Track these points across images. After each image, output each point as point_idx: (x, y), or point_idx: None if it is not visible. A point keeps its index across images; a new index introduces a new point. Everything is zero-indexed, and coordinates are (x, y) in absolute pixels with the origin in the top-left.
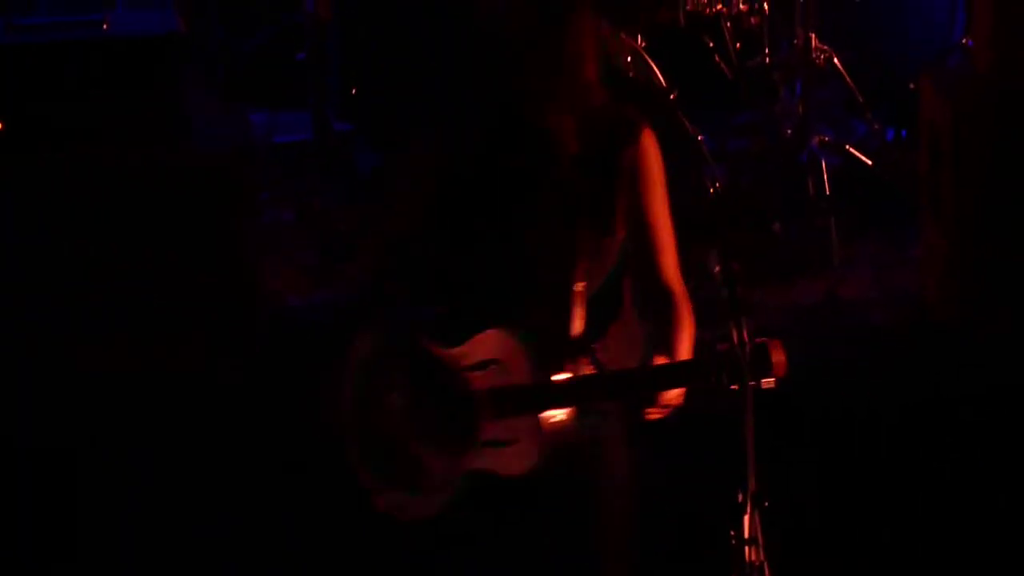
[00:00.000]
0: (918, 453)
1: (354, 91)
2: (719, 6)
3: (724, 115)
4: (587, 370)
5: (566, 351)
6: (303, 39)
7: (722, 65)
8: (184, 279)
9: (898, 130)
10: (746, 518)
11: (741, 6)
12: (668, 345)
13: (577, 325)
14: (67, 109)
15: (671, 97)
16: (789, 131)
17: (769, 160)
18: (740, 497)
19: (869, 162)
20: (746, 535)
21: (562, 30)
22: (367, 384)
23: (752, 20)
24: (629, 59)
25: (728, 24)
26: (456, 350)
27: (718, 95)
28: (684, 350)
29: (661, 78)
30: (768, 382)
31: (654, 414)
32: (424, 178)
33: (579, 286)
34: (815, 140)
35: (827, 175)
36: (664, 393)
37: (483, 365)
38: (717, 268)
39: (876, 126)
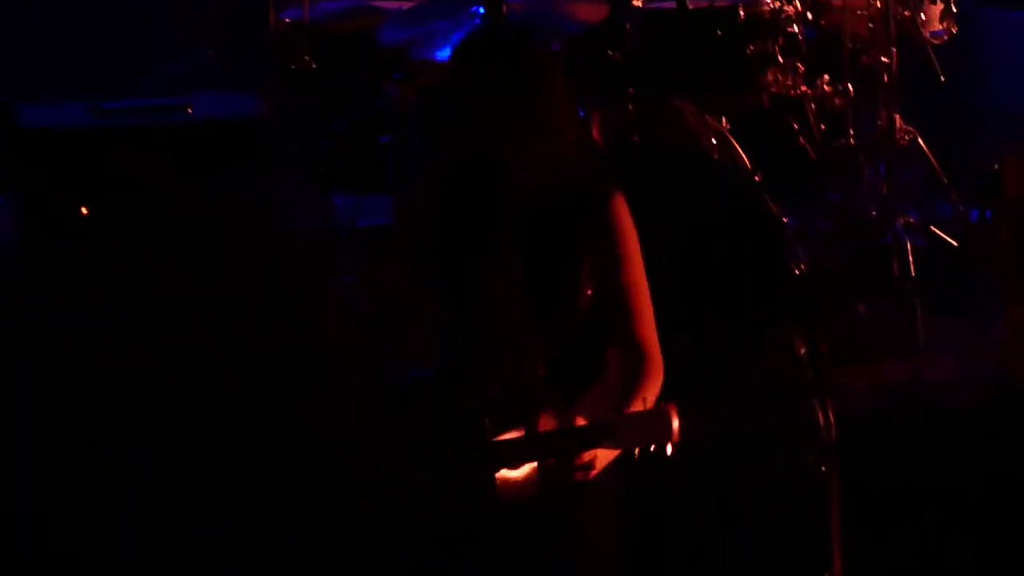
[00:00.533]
0: (1004, 535)
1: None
2: (803, 88)
3: (808, 196)
4: (549, 424)
5: (529, 404)
6: (388, 122)
7: (806, 146)
8: (266, 365)
9: (982, 210)
10: None
11: (825, 88)
12: (624, 404)
13: (540, 377)
14: (151, 194)
15: (756, 179)
16: (873, 212)
17: (854, 241)
18: None
19: (954, 243)
20: None
21: (533, 89)
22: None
23: (836, 101)
24: (713, 140)
25: (812, 105)
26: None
27: (802, 176)
28: (616, 410)
29: (745, 160)
30: (665, 447)
31: (577, 475)
32: (408, 226)
33: (545, 343)
34: (899, 221)
35: (912, 256)
36: (583, 455)
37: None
38: (803, 350)
39: (960, 207)
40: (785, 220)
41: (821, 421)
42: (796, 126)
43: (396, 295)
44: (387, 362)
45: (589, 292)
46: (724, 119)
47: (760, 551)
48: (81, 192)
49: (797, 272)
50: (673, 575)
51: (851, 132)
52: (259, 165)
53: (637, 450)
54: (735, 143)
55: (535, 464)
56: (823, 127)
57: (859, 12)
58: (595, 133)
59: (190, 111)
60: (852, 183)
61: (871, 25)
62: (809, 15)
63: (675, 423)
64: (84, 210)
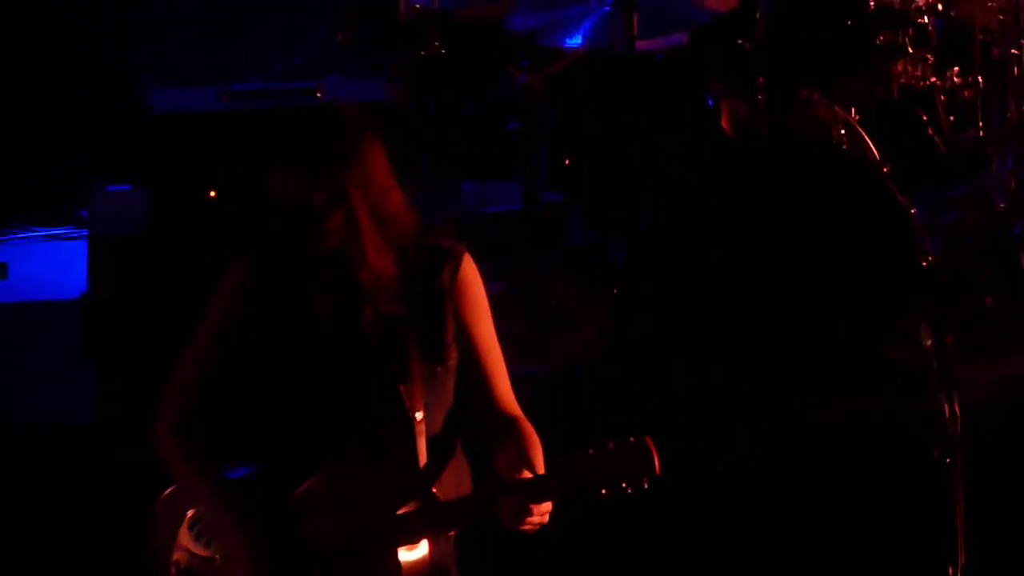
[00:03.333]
0: None
1: (567, 161)
2: (933, 79)
3: (936, 188)
4: (428, 503)
5: (412, 484)
6: (515, 109)
7: (935, 138)
8: None
9: None
10: None
11: (955, 79)
12: (527, 462)
13: (421, 456)
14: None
15: (884, 169)
16: (1002, 205)
17: (981, 234)
18: (951, 571)
19: None
20: None
21: (351, 169)
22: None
23: (965, 93)
24: (842, 131)
25: (941, 97)
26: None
27: (930, 168)
28: (542, 466)
29: (875, 150)
30: (646, 482)
31: (528, 526)
32: (233, 305)
33: (418, 415)
34: None
35: None
36: (540, 505)
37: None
38: (929, 341)
39: None
40: (913, 212)
41: (946, 413)
42: (925, 117)
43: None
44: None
45: (454, 361)
46: (853, 110)
47: (887, 546)
48: (210, 175)
49: (924, 264)
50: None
51: (980, 124)
52: (388, 150)
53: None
54: (864, 134)
55: (428, 545)
56: (952, 119)
57: (989, 3)
58: (724, 122)
59: (319, 95)
60: (980, 176)
61: (1001, 17)
62: (939, 6)
63: (655, 457)
64: (212, 193)
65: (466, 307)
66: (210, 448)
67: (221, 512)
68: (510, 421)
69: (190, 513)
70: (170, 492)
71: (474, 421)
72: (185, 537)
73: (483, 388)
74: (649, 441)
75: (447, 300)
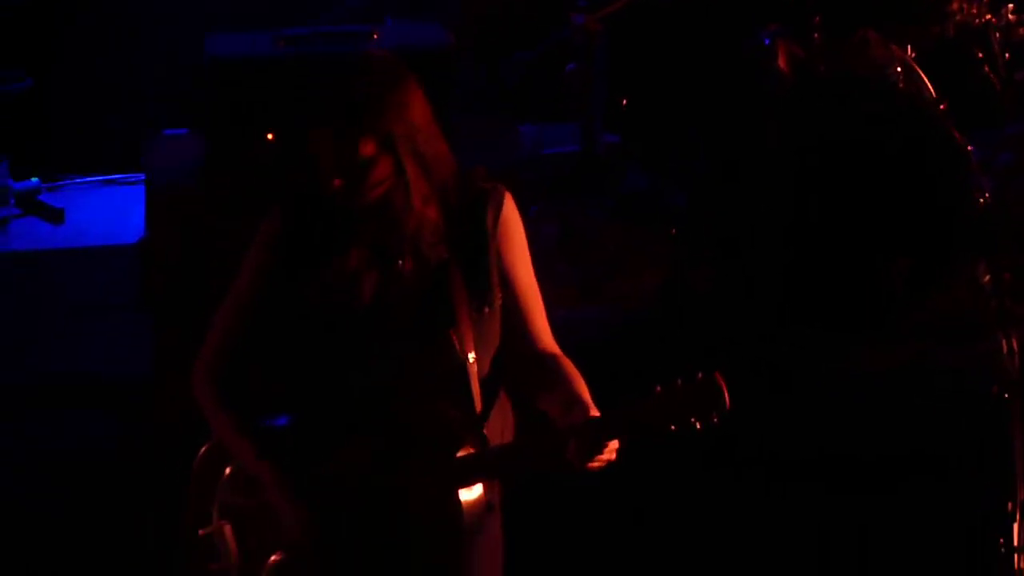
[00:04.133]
0: None
1: (624, 103)
2: (988, 16)
3: (992, 127)
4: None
5: (468, 427)
6: (573, 51)
7: (991, 76)
8: None
9: None
10: (1016, 526)
11: (1010, 16)
12: (577, 400)
13: (476, 400)
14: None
15: (941, 108)
16: None
17: None
18: (1009, 506)
19: None
20: (1016, 543)
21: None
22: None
23: (1021, 31)
24: (899, 70)
25: (997, 35)
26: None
27: (987, 107)
28: (591, 402)
29: (931, 88)
30: (716, 418)
31: (597, 464)
32: (272, 247)
33: (471, 357)
34: None
35: None
36: (611, 442)
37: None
38: (987, 278)
39: None
40: (970, 149)
41: (1005, 350)
42: (981, 55)
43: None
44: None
45: (499, 302)
46: (909, 48)
47: (949, 486)
48: (264, 121)
49: (981, 202)
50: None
51: None
52: (445, 94)
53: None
54: (921, 72)
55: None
56: (1008, 56)
57: None
58: (781, 62)
59: (375, 37)
60: None
61: None
62: None
63: (726, 392)
64: (270, 136)
65: (507, 249)
66: (249, 399)
67: (261, 464)
68: (553, 361)
69: (228, 470)
70: (207, 448)
71: (514, 363)
72: (225, 490)
73: (524, 330)
74: (719, 376)
75: (490, 242)
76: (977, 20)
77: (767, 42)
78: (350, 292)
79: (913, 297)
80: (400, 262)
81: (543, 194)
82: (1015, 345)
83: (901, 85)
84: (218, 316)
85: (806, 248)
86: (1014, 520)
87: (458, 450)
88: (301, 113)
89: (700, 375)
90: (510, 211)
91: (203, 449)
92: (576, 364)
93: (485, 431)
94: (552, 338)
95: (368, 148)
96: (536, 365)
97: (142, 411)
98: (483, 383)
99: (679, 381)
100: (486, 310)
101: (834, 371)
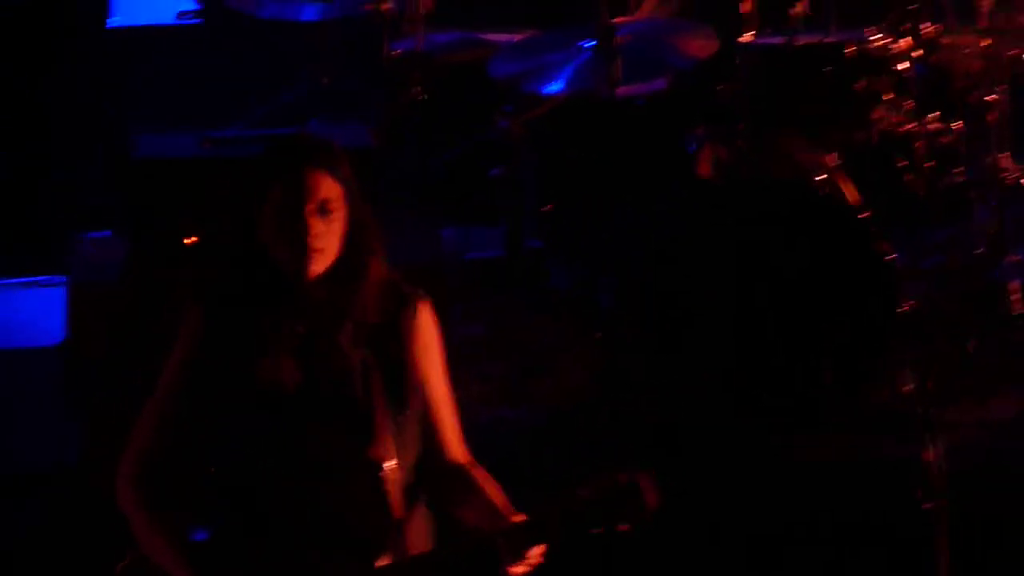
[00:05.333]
0: None
1: (548, 208)
2: (912, 124)
3: (917, 233)
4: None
5: (385, 536)
6: (498, 154)
7: (915, 183)
8: None
9: None
10: None
11: (934, 125)
12: (494, 508)
13: (394, 507)
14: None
15: (865, 215)
16: (982, 250)
17: (962, 278)
18: None
19: None
20: None
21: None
22: None
23: (945, 139)
24: (823, 177)
25: (921, 143)
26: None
27: (911, 213)
28: (510, 507)
29: (855, 195)
30: (634, 521)
31: (523, 568)
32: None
33: (388, 465)
34: (1008, 259)
35: (1021, 293)
36: (531, 549)
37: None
38: (910, 386)
39: None
40: (894, 256)
41: (930, 456)
42: (905, 163)
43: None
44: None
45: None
46: (834, 155)
47: None
48: (188, 220)
49: (906, 308)
50: None
51: (960, 170)
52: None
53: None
54: (845, 178)
55: None
56: (932, 164)
57: (967, 50)
58: (706, 166)
59: None
60: (961, 220)
61: (980, 62)
62: (918, 52)
63: (652, 494)
64: (189, 240)
65: (424, 356)
66: (173, 503)
67: (182, 573)
68: (467, 470)
69: None
70: (130, 560)
71: (429, 471)
72: None
73: (437, 438)
74: (645, 478)
75: (408, 348)
76: (901, 128)
77: (692, 147)
78: (272, 392)
79: (842, 394)
80: (323, 362)
81: (467, 295)
82: (939, 453)
83: (825, 192)
84: (141, 417)
85: (741, 343)
86: None
87: (377, 559)
88: (240, 205)
89: (624, 477)
90: (429, 317)
91: (126, 560)
92: (502, 465)
93: (405, 539)
94: (465, 447)
95: (294, 235)
96: (450, 474)
97: (68, 506)
98: (403, 489)
99: (604, 483)
100: (403, 415)
101: (768, 461)
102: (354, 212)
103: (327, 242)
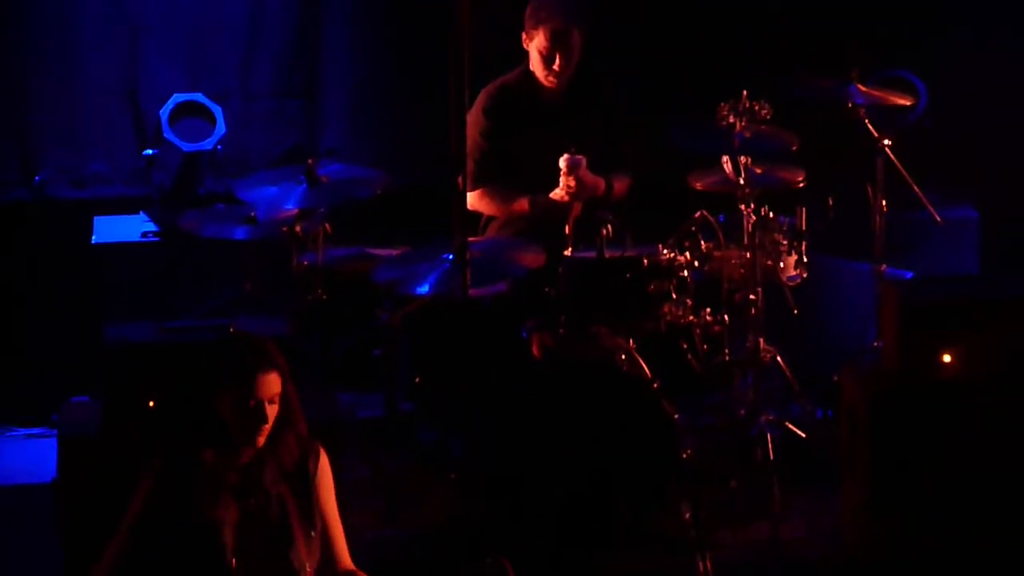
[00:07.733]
0: None
1: (418, 380)
2: (691, 317)
3: (694, 399)
4: None
5: None
6: (380, 340)
7: (693, 362)
8: None
9: (825, 411)
10: None
11: (708, 317)
12: None
13: None
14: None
15: (655, 385)
16: (743, 412)
17: (728, 433)
18: None
19: (803, 435)
20: None
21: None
22: None
23: (716, 328)
24: (623, 357)
25: (698, 331)
26: None
27: (690, 384)
28: None
29: (647, 371)
30: None
31: None
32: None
33: (306, 570)
34: (762, 418)
35: (772, 445)
36: None
37: None
38: (688, 515)
39: (809, 408)
40: (676, 416)
41: (701, 569)
42: (685, 346)
43: None
44: None
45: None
46: (631, 340)
47: None
48: (149, 390)
49: (685, 456)
50: None
51: (727, 351)
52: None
53: None
54: (639, 358)
55: None
56: (706, 347)
57: (733, 261)
58: (535, 350)
59: (232, 329)
60: (727, 390)
61: (743, 270)
62: (696, 263)
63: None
64: (151, 403)
65: (323, 490)
66: None
67: None
68: (354, 574)
69: None
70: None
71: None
72: None
73: (331, 551)
74: (506, 563)
75: (313, 483)
76: (683, 320)
77: (525, 334)
78: (216, 536)
79: (637, 524)
80: (254, 500)
81: (357, 446)
82: (709, 566)
83: (625, 368)
84: (96, 571)
85: (562, 484)
86: None
87: None
88: (194, 385)
89: (491, 560)
90: (325, 462)
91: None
92: (379, 574)
93: None
94: (350, 559)
95: (272, 399)
96: None
97: None
98: None
99: (475, 567)
100: (312, 534)
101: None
102: (286, 389)
103: (271, 419)
